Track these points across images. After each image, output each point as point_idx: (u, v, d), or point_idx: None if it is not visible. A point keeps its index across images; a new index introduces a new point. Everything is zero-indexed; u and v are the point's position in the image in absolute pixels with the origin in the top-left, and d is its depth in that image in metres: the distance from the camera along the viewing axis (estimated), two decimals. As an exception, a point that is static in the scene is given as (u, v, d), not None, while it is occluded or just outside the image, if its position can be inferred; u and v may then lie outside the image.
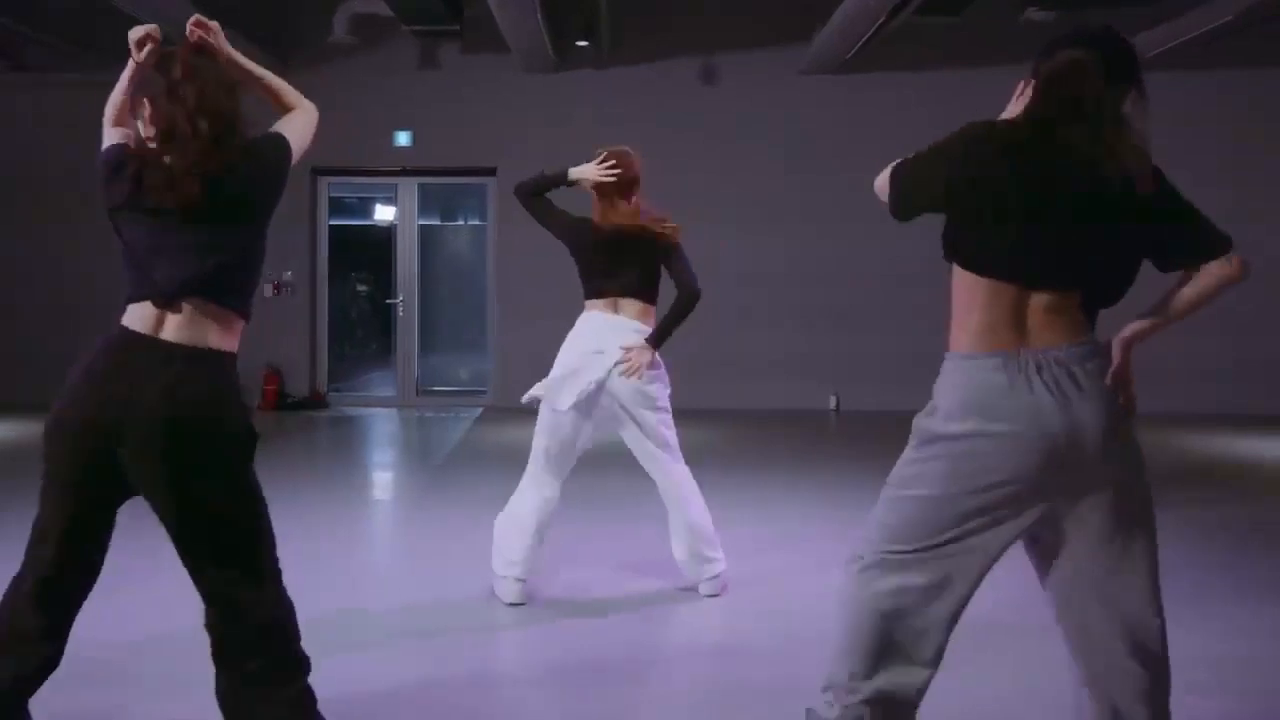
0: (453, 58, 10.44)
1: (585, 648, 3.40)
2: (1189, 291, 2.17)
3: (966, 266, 2.13)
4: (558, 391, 3.79)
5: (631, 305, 3.93)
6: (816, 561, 4.39)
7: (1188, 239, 2.16)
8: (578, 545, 4.53)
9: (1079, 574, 2.05)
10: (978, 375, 2.04)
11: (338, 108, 10.20)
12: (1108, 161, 2.08)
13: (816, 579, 4.03)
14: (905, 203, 2.28)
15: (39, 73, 10.18)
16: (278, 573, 2.33)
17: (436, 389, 11.11)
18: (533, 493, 3.80)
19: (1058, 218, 2.07)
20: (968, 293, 2.11)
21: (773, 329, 10.34)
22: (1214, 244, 2.16)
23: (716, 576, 3.89)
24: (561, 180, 4.07)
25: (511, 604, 3.77)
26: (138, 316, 2.36)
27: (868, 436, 8.74)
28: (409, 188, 10.91)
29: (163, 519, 2.28)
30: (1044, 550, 2.10)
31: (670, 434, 3.90)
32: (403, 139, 10.50)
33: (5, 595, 2.29)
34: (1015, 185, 2.08)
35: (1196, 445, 8.21)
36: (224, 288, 2.36)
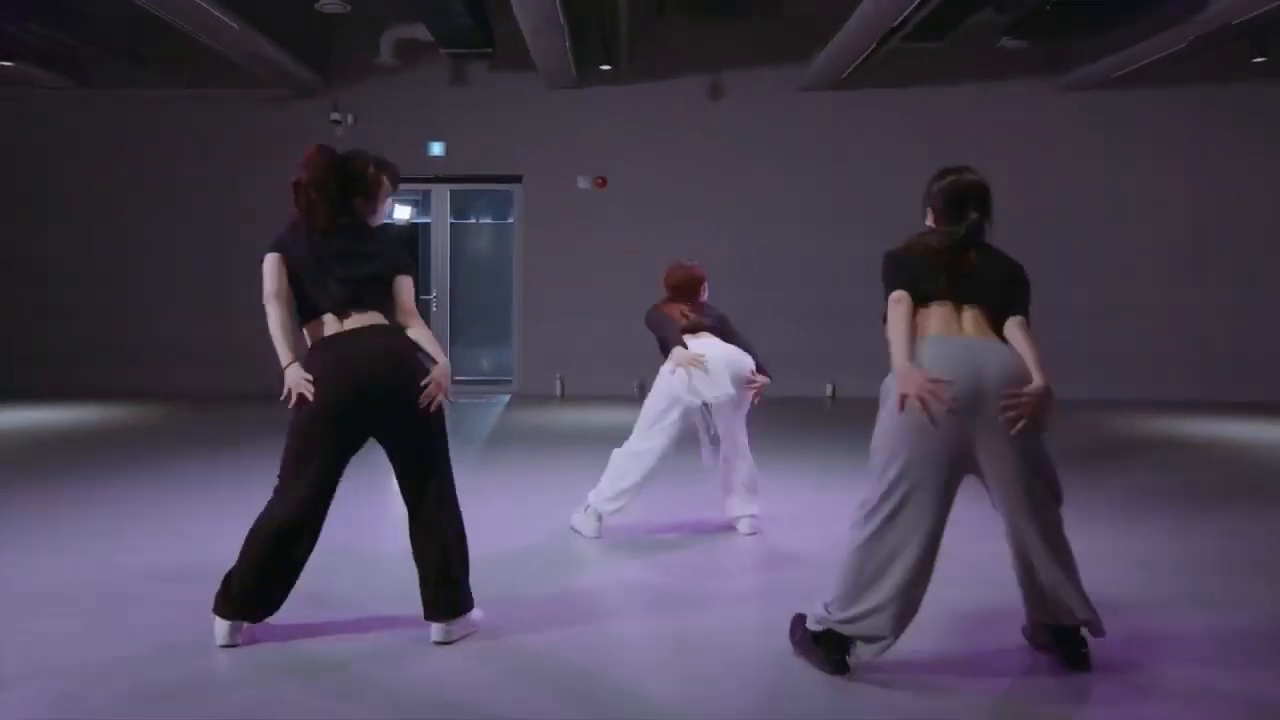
0: (481, 75, 11.31)
1: (656, 572, 4.38)
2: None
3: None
4: (707, 388, 4.83)
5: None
6: (818, 515, 5.37)
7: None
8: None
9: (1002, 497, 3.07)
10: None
11: (377, 120, 11.34)
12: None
13: (821, 528, 5.01)
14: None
15: (100, 89, 11.01)
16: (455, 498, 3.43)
17: (461, 379, 12.02)
18: (658, 442, 4.76)
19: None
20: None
21: (774, 323, 11.15)
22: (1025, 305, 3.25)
23: (755, 516, 4.93)
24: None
25: (593, 537, 4.82)
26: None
27: (861, 420, 9.70)
28: (441, 194, 11.82)
29: (397, 448, 3.34)
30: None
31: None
32: (436, 149, 11.36)
33: (256, 532, 3.29)
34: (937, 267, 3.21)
35: (1164, 427, 9.13)
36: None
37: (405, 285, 3.41)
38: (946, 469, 3.01)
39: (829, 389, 11.19)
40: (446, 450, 3.44)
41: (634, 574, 4.37)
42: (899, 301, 3.11)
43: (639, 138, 11.31)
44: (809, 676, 3.09)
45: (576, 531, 4.91)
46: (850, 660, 3.08)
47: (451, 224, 12.07)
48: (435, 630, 3.36)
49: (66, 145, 11.35)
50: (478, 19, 9.47)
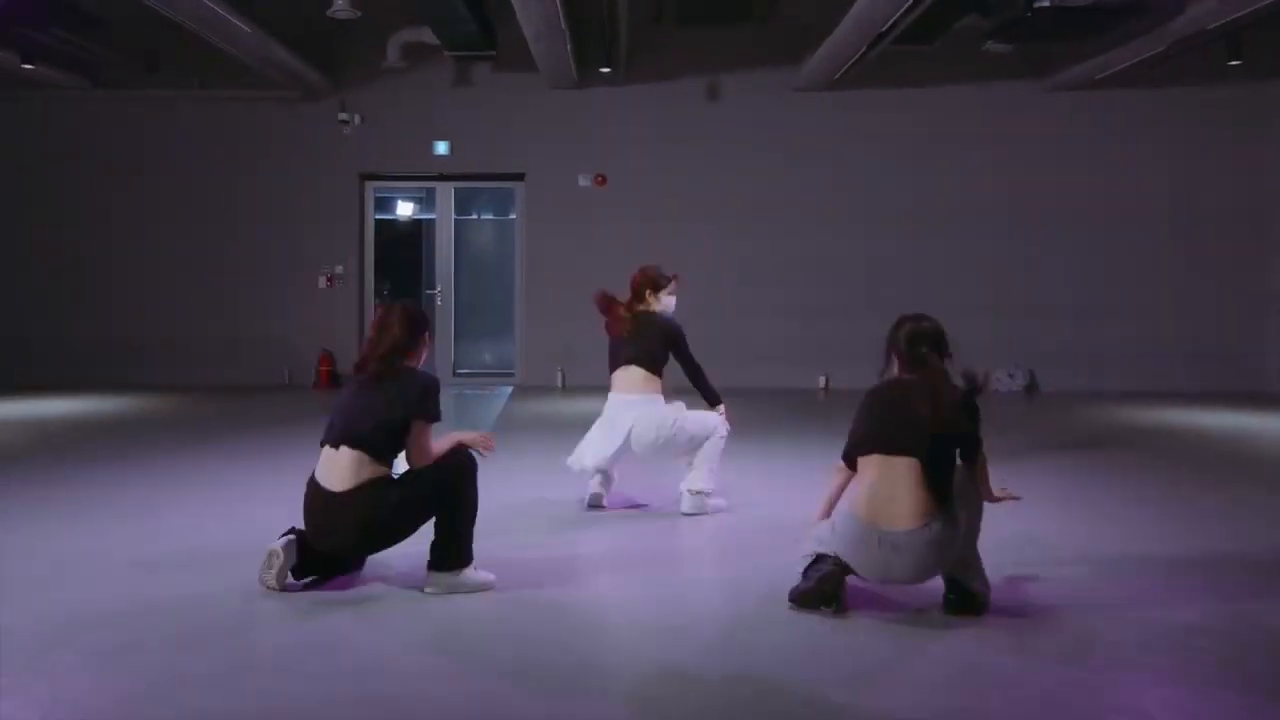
0: (485, 76, 11.63)
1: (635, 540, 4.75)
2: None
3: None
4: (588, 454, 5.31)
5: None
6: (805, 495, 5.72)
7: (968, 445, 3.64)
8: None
9: None
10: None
11: (383, 120, 11.67)
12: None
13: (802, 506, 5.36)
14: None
15: (113, 90, 11.35)
16: None
17: (464, 371, 12.37)
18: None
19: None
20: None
21: (770, 318, 11.54)
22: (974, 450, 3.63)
23: (700, 493, 5.19)
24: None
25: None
26: None
27: (853, 410, 10.05)
28: (446, 191, 12.16)
29: None
30: None
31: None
32: (441, 148, 11.70)
33: None
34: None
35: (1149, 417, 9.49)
36: None
37: (421, 430, 3.80)
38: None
39: (822, 381, 11.53)
40: (427, 505, 3.80)
41: (627, 541, 4.74)
42: (839, 472, 3.73)
43: (638, 137, 11.63)
44: (771, 616, 3.47)
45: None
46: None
47: (456, 220, 12.39)
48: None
49: (79, 145, 11.66)
50: (481, 23, 9.81)
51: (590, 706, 2.84)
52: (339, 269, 11.68)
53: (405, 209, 13.76)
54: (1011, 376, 11.35)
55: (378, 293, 12.03)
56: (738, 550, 4.71)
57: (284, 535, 3.83)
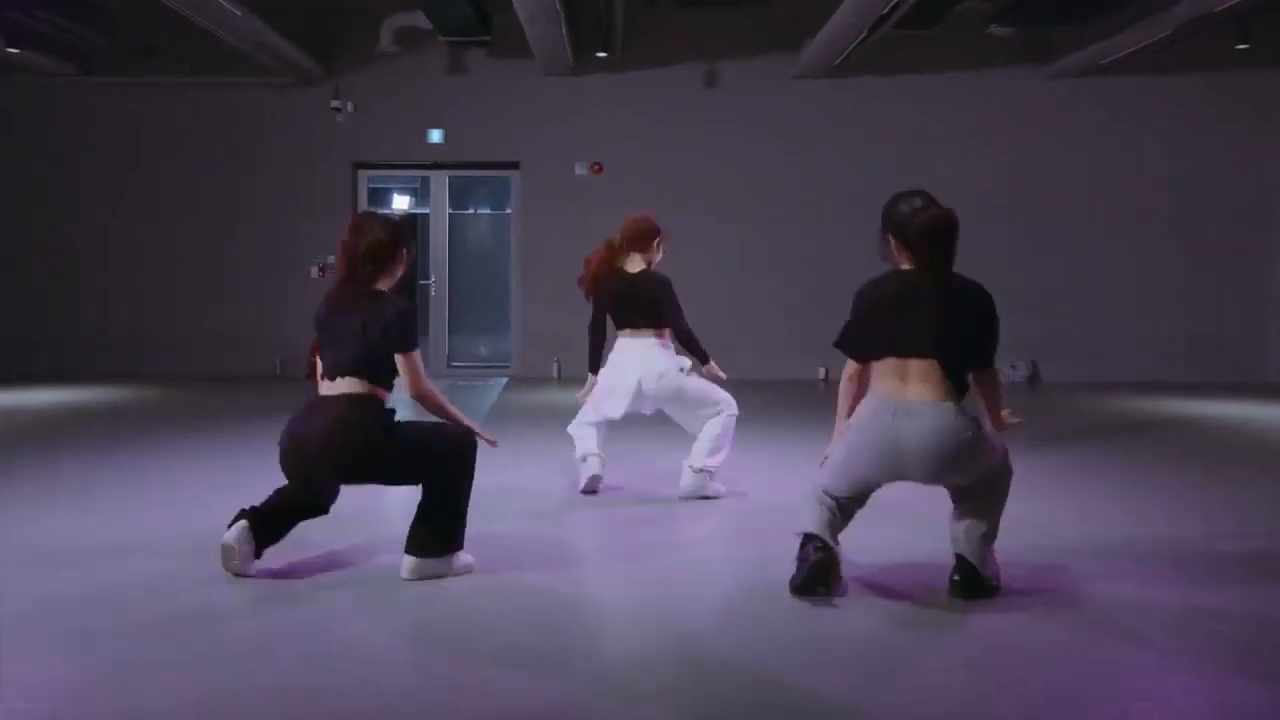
0: (480, 62, 11.46)
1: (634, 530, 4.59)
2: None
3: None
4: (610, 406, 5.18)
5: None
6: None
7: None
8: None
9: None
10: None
11: (377, 108, 11.51)
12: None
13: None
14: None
15: (102, 76, 11.14)
16: None
17: (459, 364, 12.21)
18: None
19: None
20: None
21: (768, 307, 11.38)
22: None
23: (703, 471, 5.02)
24: None
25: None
26: None
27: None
28: (440, 180, 12.00)
29: (372, 483, 3.79)
30: None
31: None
32: (435, 136, 11.52)
33: None
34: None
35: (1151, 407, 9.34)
36: None
37: (403, 364, 3.58)
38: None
39: (822, 372, 11.38)
40: (414, 462, 3.58)
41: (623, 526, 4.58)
42: (849, 379, 3.56)
43: (635, 125, 11.48)
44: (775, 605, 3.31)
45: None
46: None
47: (451, 214, 12.23)
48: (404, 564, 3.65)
49: (67, 132, 11.48)
50: (476, 7, 9.65)
51: (579, 697, 2.68)
52: (331, 259, 11.50)
53: (401, 202, 13.61)
54: (1014, 368, 11.19)
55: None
56: (737, 536, 4.56)
57: (234, 522, 3.61)
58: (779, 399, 9.63)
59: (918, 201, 3.49)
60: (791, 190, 11.40)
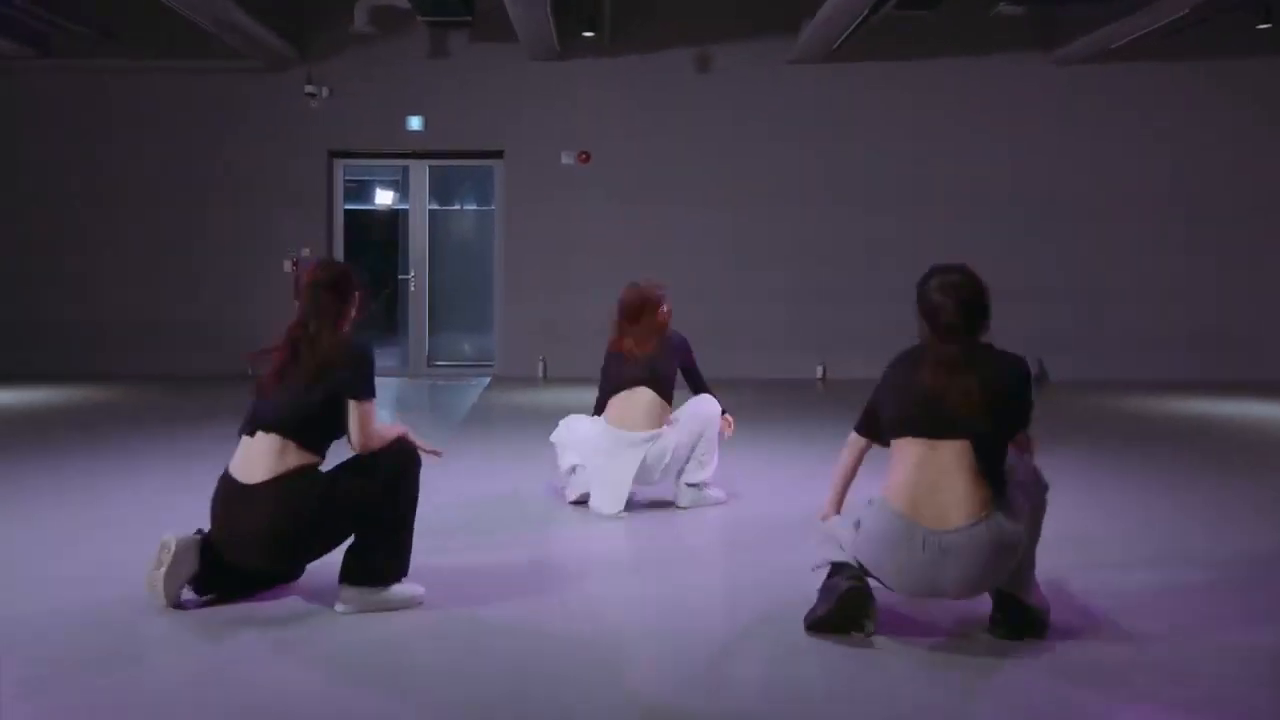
0: (461, 46, 10.95)
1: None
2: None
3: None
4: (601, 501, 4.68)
5: None
6: (806, 492, 5.08)
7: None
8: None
9: None
10: None
11: (352, 93, 10.97)
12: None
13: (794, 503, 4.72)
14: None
15: (64, 59, 10.59)
16: None
17: (441, 363, 11.68)
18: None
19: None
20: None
21: (764, 303, 10.91)
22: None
23: (696, 486, 4.62)
24: None
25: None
26: None
27: (854, 403, 9.43)
28: (420, 170, 11.47)
29: None
30: None
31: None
32: (415, 123, 11.00)
33: None
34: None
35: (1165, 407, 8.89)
36: None
37: (355, 412, 3.14)
38: None
39: (820, 370, 10.92)
40: (359, 510, 3.12)
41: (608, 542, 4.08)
42: (851, 446, 3.17)
43: (624, 111, 11.00)
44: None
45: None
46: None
47: (436, 210, 11.72)
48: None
49: (26, 117, 10.94)
50: (456, -16, 9.14)
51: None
52: (305, 252, 10.97)
53: (385, 197, 13.07)
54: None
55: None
56: (735, 554, 4.08)
57: (188, 534, 3.13)
58: (775, 399, 9.15)
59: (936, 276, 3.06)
60: (787, 180, 10.94)
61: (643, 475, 4.55)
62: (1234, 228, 10.97)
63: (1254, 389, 9.81)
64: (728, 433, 4.73)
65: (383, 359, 12.39)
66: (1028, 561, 2.97)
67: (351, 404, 3.11)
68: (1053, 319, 10.72)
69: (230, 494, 3.08)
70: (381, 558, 3.12)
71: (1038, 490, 3.00)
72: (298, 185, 11.03)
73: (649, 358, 4.61)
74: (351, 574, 3.11)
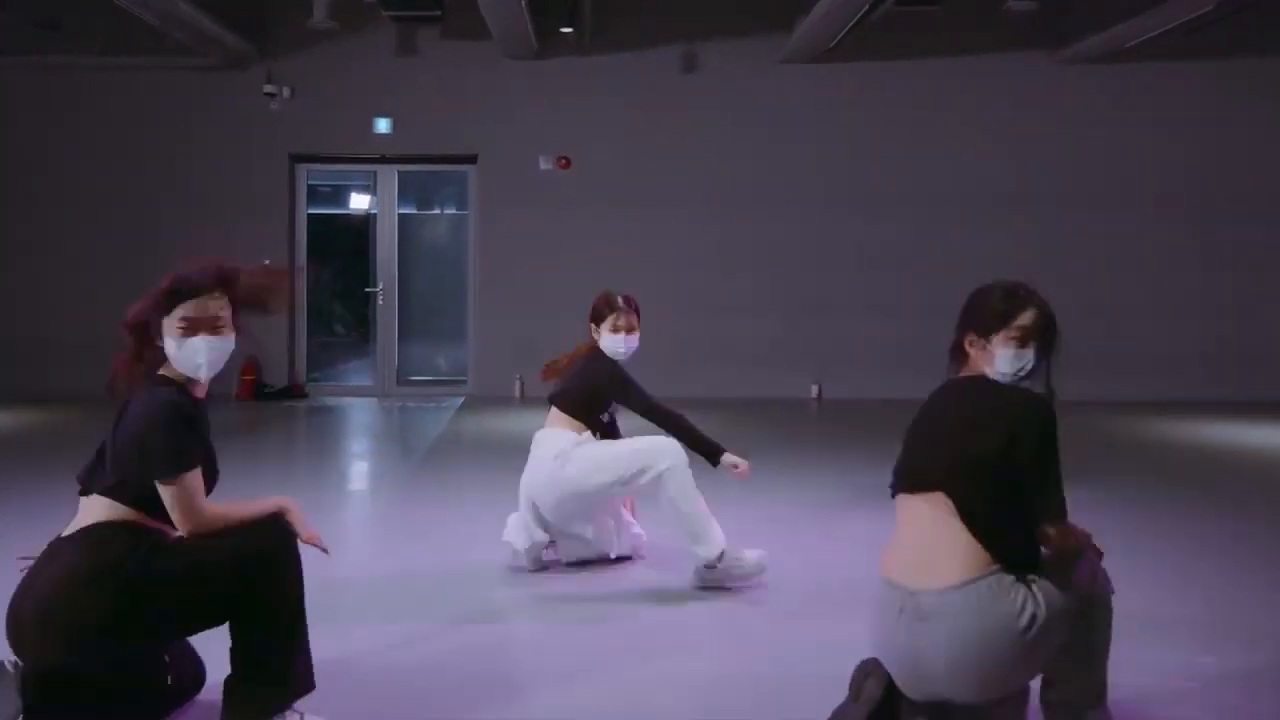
0: (432, 43, 10.36)
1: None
2: None
3: None
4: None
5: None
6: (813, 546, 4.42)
7: None
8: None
9: None
10: None
11: (315, 93, 10.30)
12: None
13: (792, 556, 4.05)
14: None
15: (7, 55, 9.94)
16: None
17: (414, 378, 11.03)
18: None
19: None
20: None
21: (753, 317, 10.34)
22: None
23: (713, 566, 3.83)
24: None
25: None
26: None
27: (849, 426, 8.80)
28: (389, 175, 10.80)
29: None
30: None
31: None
32: (382, 126, 10.41)
33: None
34: None
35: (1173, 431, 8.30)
36: None
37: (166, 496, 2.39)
38: None
39: (814, 390, 10.31)
40: (200, 602, 2.40)
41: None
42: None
43: (606, 113, 10.43)
44: None
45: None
46: None
47: (405, 214, 11.10)
48: None
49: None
50: (423, -25, 8.49)
51: None
52: (266, 263, 10.23)
53: (360, 201, 12.37)
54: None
55: (313, 288, 10.72)
56: (734, 630, 3.39)
57: None
58: (765, 422, 8.51)
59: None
60: (778, 186, 10.39)
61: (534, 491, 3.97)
62: (1258, 236, 10.42)
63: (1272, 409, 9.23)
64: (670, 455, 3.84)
65: (352, 376, 11.78)
66: (1090, 694, 2.33)
67: (160, 487, 2.38)
68: (1065, 333, 10.12)
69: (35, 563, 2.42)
70: (262, 680, 2.40)
71: (1092, 595, 2.34)
72: (259, 192, 10.39)
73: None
74: (232, 707, 2.40)
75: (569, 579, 4.02)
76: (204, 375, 2.50)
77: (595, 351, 4.15)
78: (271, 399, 10.02)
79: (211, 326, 2.49)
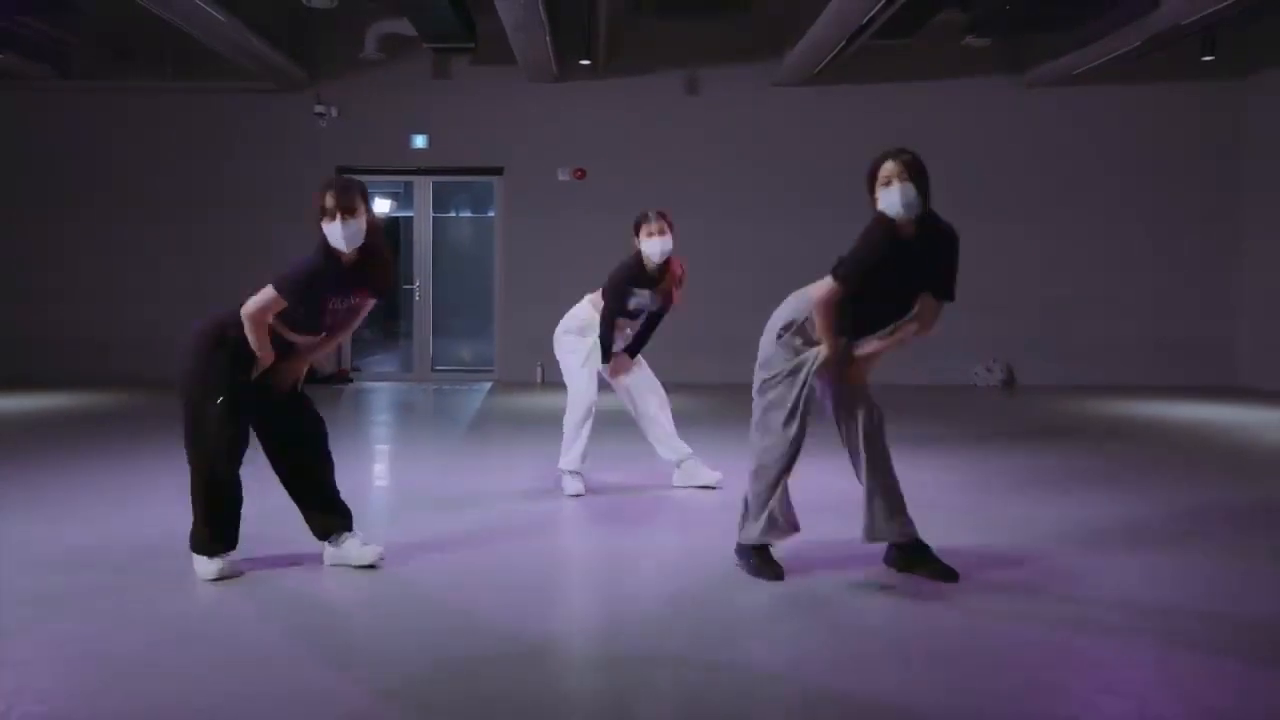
0: (464, 69, 11.51)
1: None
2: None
3: None
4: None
5: None
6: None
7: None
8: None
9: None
10: None
11: (361, 114, 11.57)
12: None
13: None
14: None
15: (83, 81, 11.14)
16: None
17: (442, 368, 12.25)
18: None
19: None
20: None
21: (750, 318, 11.41)
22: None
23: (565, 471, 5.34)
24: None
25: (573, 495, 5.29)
26: None
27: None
28: (424, 185, 12.05)
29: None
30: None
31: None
32: (419, 141, 11.58)
33: None
34: None
35: (1115, 409, 9.55)
36: None
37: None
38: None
39: (802, 377, 11.46)
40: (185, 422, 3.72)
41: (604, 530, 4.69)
42: None
43: (617, 131, 11.56)
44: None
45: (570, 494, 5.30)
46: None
47: (435, 217, 12.27)
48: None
49: (45, 135, 11.47)
50: (460, 14, 9.72)
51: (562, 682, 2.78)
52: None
53: (383, 205, 13.65)
54: (990, 370, 11.40)
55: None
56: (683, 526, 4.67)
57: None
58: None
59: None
60: (772, 195, 11.52)
61: None
62: (1198, 237, 11.60)
63: (1218, 394, 10.45)
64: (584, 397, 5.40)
65: (388, 364, 13.05)
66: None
67: None
68: (1025, 327, 11.40)
69: None
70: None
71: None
72: (306, 201, 11.43)
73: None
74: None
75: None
76: (345, 248, 3.70)
77: (633, 256, 5.36)
78: (320, 383, 11.27)
79: (349, 213, 3.71)
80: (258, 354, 3.64)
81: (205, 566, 3.72)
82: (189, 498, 3.75)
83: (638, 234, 5.34)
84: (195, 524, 3.74)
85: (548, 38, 9.69)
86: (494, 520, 4.80)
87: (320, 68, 11.47)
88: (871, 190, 3.72)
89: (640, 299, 5.35)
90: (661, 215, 5.39)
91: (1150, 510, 5.11)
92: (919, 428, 7.70)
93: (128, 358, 11.30)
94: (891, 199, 3.62)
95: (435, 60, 11.46)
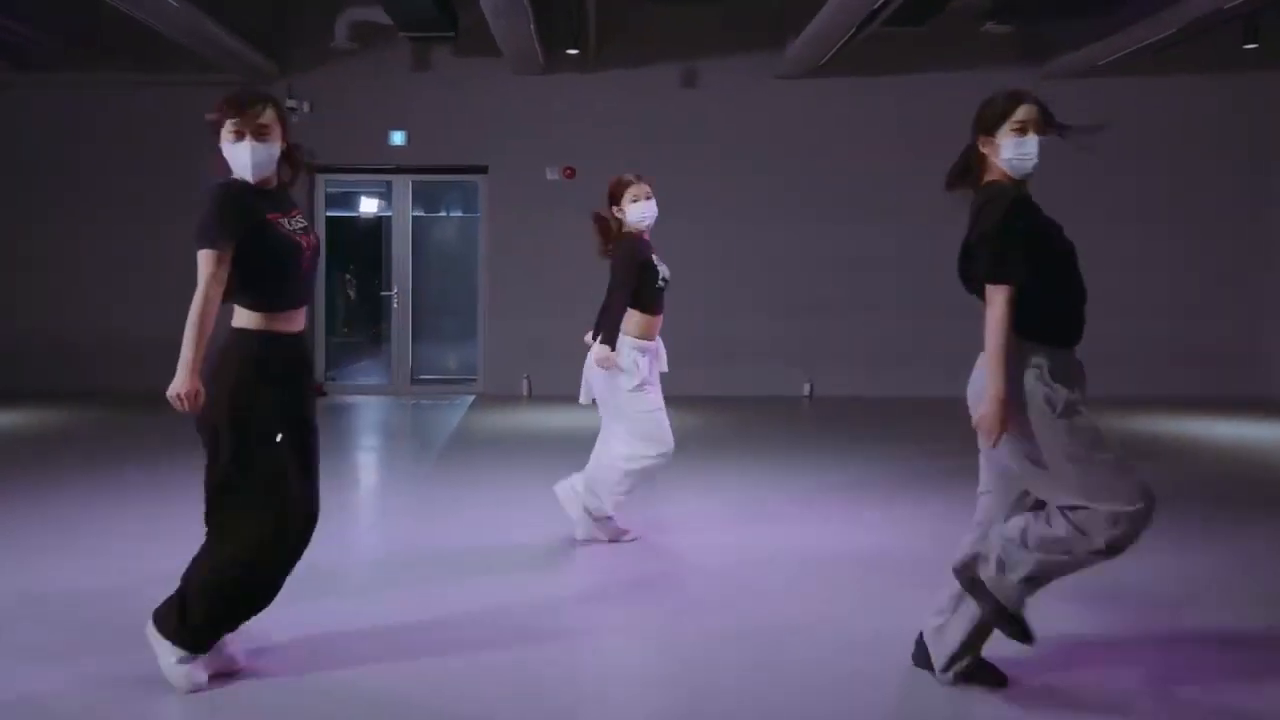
0: (445, 60, 10.83)
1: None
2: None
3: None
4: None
5: None
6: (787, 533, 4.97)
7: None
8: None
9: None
10: None
11: (335, 108, 10.82)
12: None
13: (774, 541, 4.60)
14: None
15: (41, 74, 10.47)
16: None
17: (425, 377, 11.53)
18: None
19: None
20: None
21: (751, 317, 10.83)
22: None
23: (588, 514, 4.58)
24: None
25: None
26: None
27: (842, 422, 9.34)
28: (403, 184, 11.34)
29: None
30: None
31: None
32: (397, 138, 10.89)
33: None
34: None
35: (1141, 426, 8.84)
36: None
37: None
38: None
39: (807, 388, 10.83)
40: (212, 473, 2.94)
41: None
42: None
43: (609, 127, 10.91)
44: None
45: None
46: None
47: (417, 217, 11.59)
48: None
49: (5, 132, 10.79)
50: (437, 1, 9.02)
51: None
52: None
53: (369, 205, 12.93)
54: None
55: (340, 292, 11.23)
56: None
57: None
58: (758, 417, 9.05)
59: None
60: (773, 195, 10.87)
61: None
62: (1228, 240, 10.96)
63: (1252, 408, 9.76)
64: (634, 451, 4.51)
65: (367, 375, 12.33)
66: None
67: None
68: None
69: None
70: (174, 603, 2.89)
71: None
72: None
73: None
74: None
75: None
76: (251, 177, 2.88)
77: (622, 239, 4.59)
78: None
79: (257, 133, 2.87)
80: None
81: (182, 672, 2.81)
82: (185, 574, 2.87)
83: (617, 201, 4.58)
84: (188, 610, 2.81)
85: (531, 25, 8.99)
86: (492, 600, 4.07)
87: (291, 59, 10.79)
88: (989, 131, 2.98)
89: (663, 267, 4.70)
90: (641, 178, 4.69)
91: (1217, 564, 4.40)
92: (921, 444, 6.96)
93: (90, 366, 10.59)
94: (1027, 149, 2.97)
95: (414, 51, 10.79)
